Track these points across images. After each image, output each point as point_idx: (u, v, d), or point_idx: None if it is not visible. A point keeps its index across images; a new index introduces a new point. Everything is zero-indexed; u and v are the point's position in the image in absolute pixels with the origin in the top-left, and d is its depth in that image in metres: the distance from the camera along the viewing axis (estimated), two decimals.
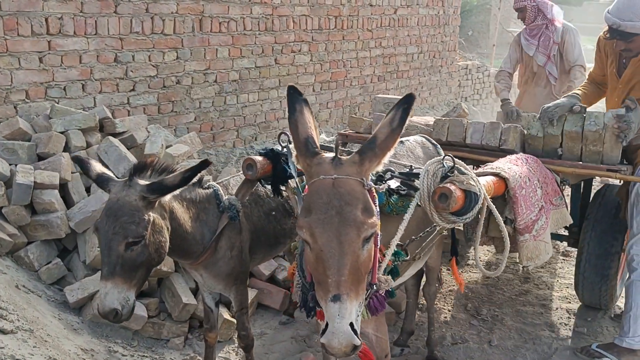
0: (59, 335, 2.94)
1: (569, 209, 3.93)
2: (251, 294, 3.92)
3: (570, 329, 3.98)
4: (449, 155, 2.37)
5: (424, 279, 3.67)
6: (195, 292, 3.74)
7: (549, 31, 5.24)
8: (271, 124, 6.34)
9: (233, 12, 5.71)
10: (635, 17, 3.36)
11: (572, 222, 3.37)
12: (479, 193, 2.33)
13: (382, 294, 2.28)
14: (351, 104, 7.46)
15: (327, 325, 1.78)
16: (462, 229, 3.31)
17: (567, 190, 4.34)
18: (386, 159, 1.99)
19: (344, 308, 1.76)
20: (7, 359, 2.38)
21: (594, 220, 3.93)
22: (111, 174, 2.47)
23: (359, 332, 1.80)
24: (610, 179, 4.03)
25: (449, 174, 2.33)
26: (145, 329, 3.50)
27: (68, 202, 3.75)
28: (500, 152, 3.48)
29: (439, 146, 3.29)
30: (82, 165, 2.54)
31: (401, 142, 3.05)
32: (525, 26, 5.40)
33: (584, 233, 3.96)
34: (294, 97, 2.07)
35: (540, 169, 3.16)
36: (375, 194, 2.07)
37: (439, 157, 2.41)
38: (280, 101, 6.44)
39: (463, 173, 2.35)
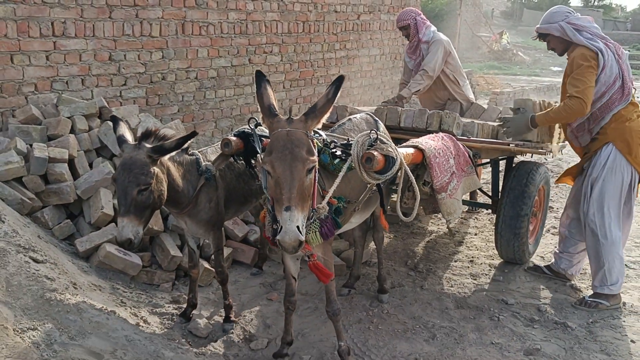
0: (74, 272, 3.73)
1: (480, 177, 4.84)
2: (227, 251, 4.74)
3: (489, 278, 4.85)
4: (374, 130, 3.23)
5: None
6: (181, 248, 4.55)
7: (422, 49, 5.82)
8: (246, 116, 7.14)
9: (211, 17, 6.53)
10: (544, 21, 4.35)
11: (481, 186, 4.24)
12: (395, 157, 3.18)
13: (330, 224, 3.12)
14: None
15: (281, 228, 2.62)
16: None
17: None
18: (324, 119, 2.87)
19: (292, 215, 2.61)
20: (42, 278, 3.17)
21: (509, 188, 4.81)
22: (129, 138, 3.26)
23: (303, 235, 2.64)
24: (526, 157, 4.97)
25: (373, 143, 3.18)
26: (140, 276, 4.29)
27: (74, 175, 4.53)
28: (427, 132, 4.34)
29: (380, 121, 4.06)
30: (115, 122, 3.34)
31: (349, 119, 3.92)
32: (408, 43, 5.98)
33: (501, 199, 4.85)
34: (260, 78, 2.97)
35: (454, 144, 4.03)
36: (315, 143, 2.93)
37: (367, 131, 3.25)
38: (254, 96, 7.24)
39: (384, 143, 3.20)
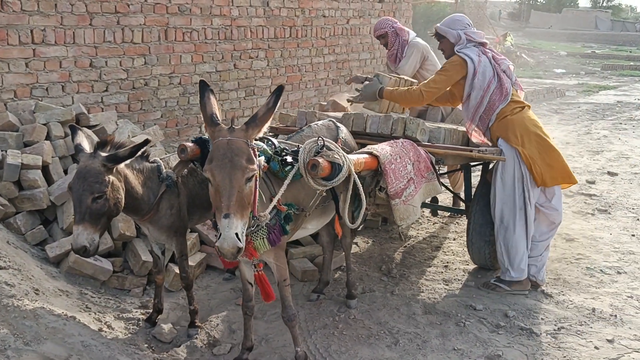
0: (40, 278, 3.79)
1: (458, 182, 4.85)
2: (200, 256, 4.79)
3: (462, 284, 4.86)
4: (321, 137, 3.27)
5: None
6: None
7: (402, 54, 5.79)
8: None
9: (195, 23, 6.59)
10: (446, 24, 4.64)
11: (441, 192, 4.29)
12: (342, 164, 3.21)
13: (278, 231, 3.17)
14: (306, 104, 8.34)
15: (220, 235, 2.67)
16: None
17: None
18: (265, 128, 2.91)
19: (231, 222, 2.66)
20: (2, 284, 3.24)
21: (479, 195, 4.82)
22: (86, 147, 3.32)
23: (242, 242, 2.69)
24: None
25: (320, 150, 3.22)
26: (111, 281, 4.35)
27: (49, 181, 4.60)
28: (392, 138, 4.36)
29: (341, 127, 4.07)
30: (73, 131, 3.40)
31: (309, 125, 3.95)
32: (387, 52, 5.99)
33: (471, 206, 4.87)
34: (203, 87, 3.00)
35: (414, 150, 4.04)
36: (257, 151, 2.97)
37: (315, 138, 3.29)
38: (240, 101, 7.32)
39: (331, 150, 3.24)
